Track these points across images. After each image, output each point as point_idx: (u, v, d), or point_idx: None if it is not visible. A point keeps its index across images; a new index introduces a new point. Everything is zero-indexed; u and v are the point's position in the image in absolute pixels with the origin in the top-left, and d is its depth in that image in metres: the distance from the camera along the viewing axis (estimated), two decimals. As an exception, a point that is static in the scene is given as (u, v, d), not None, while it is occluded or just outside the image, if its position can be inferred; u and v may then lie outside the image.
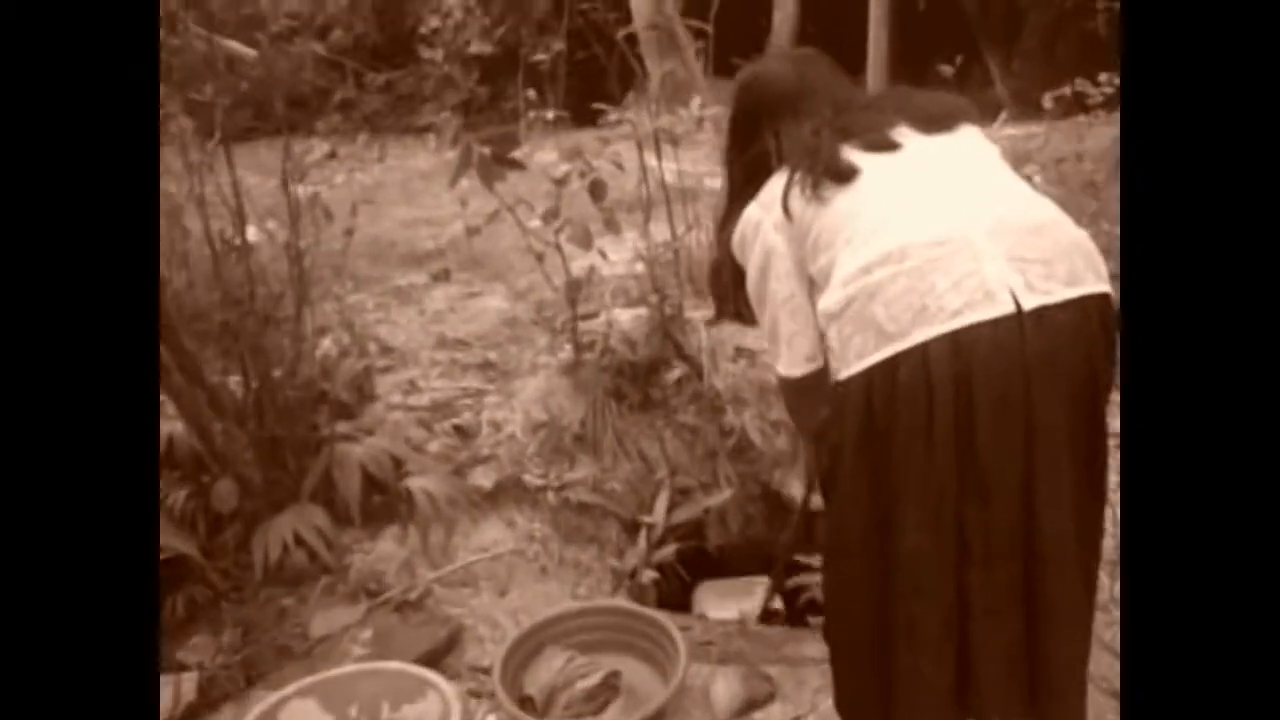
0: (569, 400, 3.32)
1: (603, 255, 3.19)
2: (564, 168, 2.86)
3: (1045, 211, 1.49)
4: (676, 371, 3.30)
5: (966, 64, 5.87)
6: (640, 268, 3.88)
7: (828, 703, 2.20)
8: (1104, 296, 1.43)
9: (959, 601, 1.46)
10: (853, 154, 1.51)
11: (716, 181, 4.16)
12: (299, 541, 2.63)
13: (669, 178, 3.48)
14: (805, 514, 2.42)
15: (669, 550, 3.01)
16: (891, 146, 1.52)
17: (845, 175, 1.49)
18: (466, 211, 5.02)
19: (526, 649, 2.34)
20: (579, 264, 3.41)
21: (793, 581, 2.65)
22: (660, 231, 3.68)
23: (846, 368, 1.45)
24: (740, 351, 3.43)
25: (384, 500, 2.85)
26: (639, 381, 3.31)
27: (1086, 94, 3.27)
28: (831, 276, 1.47)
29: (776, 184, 1.60)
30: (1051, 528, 1.42)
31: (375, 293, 4.67)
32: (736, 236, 1.66)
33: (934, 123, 1.57)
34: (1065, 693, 1.53)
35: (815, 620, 2.57)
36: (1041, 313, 1.36)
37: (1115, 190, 3.26)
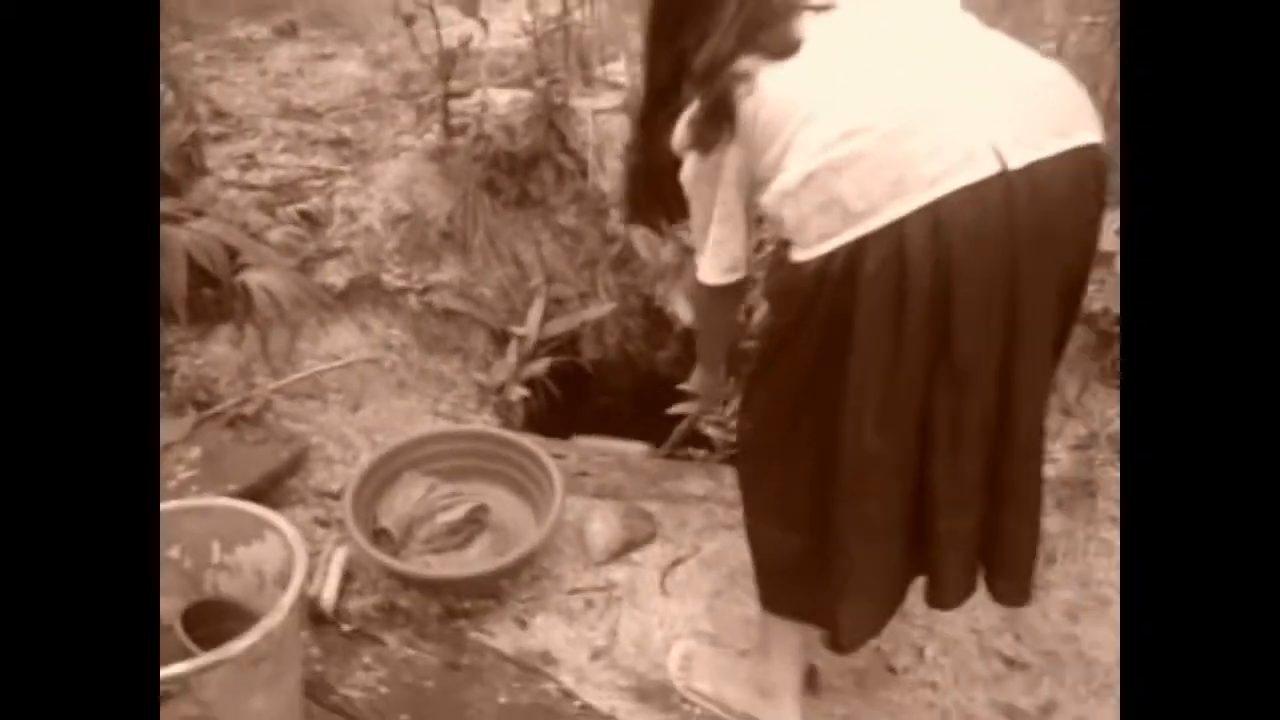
0: (436, 190, 2.94)
1: (483, 24, 2.74)
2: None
3: (1026, 58, 1.28)
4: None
5: None
6: (521, 43, 3.42)
7: (711, 545, 2.08)
8: (1095, 148, 1.24)
9: (919, 495, 1.33)
10: (794, 26, 1.28)
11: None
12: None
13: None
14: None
15: (541, 365, 2.78)
16: (828, 7, 1.29)
17: (793, 44, 1.26)
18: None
19: (382, 475, 2.10)
20: (451, 32, 2.95)
21: (673, 409, 2.46)
22: (545, 3, 3.22)
23: (805, 250, 1.23)
24: (630, 150, 3.09)
25: (215, 296, 2.46)
26: (516, 175, 2.95)
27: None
28: (785, 161, 1.24)
29: None
30: (1028, 416, 1.30)
31: (207, 44, 4.02)
32: (679, 135, 1.43)
33: None
34: (1023, 573, 1.47)
35: (697, 453, 2.42)
36: (1032, 171, 1.15)
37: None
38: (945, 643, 1.87)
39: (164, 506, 1.68)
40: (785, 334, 1.30)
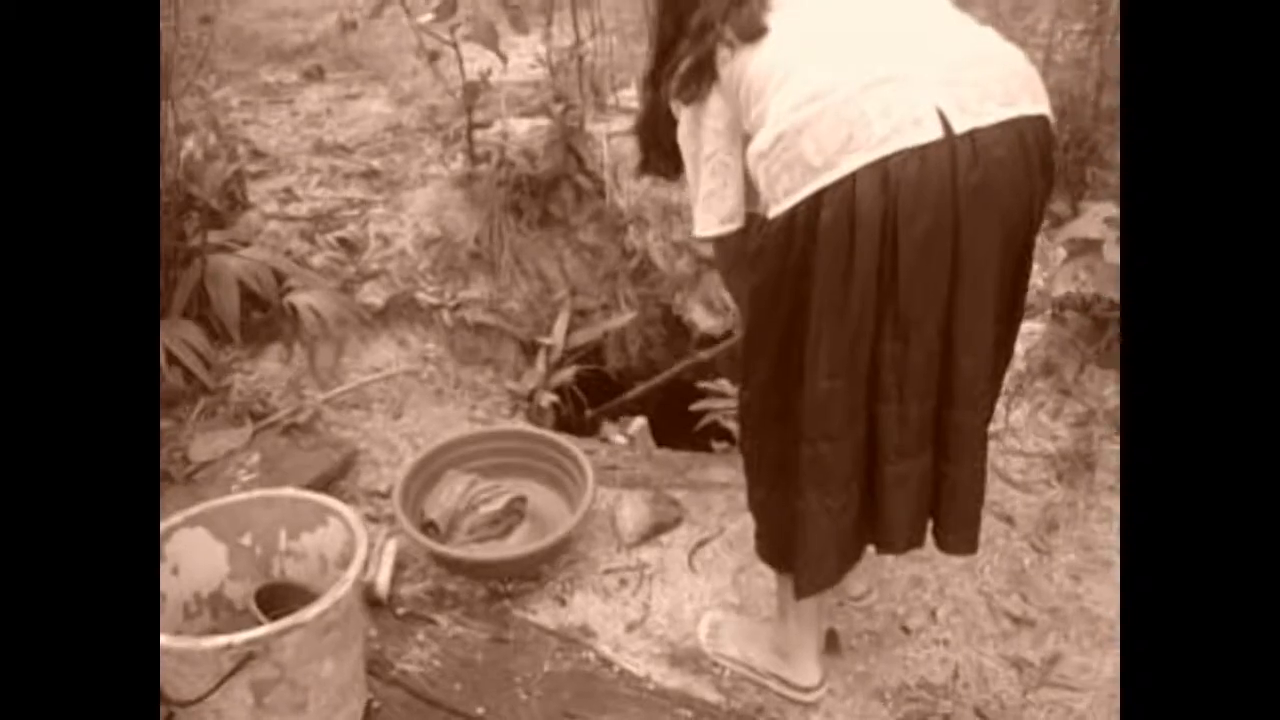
0: (463, 214, 3.13)
1: (502, 59, 2.93)
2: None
3: (981, 37, 1.42)
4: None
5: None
6: (538, 74, 3.63)
7: (733, 526, 2.23)
8: (1042, 119, 1.37)
9: (869, 439, 1.45)
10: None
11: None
12: (172, 360, 2.43)
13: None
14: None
15: (568, 373, 2.94)
16: None
17: (758, 30, 1.41)
18: (341, 3, 4.59)
19: (427, 473, 2.27)
20: (470, 67, 3.15)
21: (695, 406, 2.63)
22: (559, 36, 3.42)
23: (775, 205, 1.37)
24: (644, 169, 3.27)
25: (264, 318, 2.65)
26: (538, 197, 3.13)
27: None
28: (765, 119, 1.38)
29: None
30: (968, 367, 1.41)
31: (240, 90, 4.25)
32: (670, 87, 1.56)
33: None
34: (968, 522, 1.58)
35: (719, 445, 2.57)
36: (974, 137, 1.29)
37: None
38: (956, 604, 2.01)
39: (236, 498, 1.86)
40: (766, 295, 1.43)
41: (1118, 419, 2.39)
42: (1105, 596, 2.02)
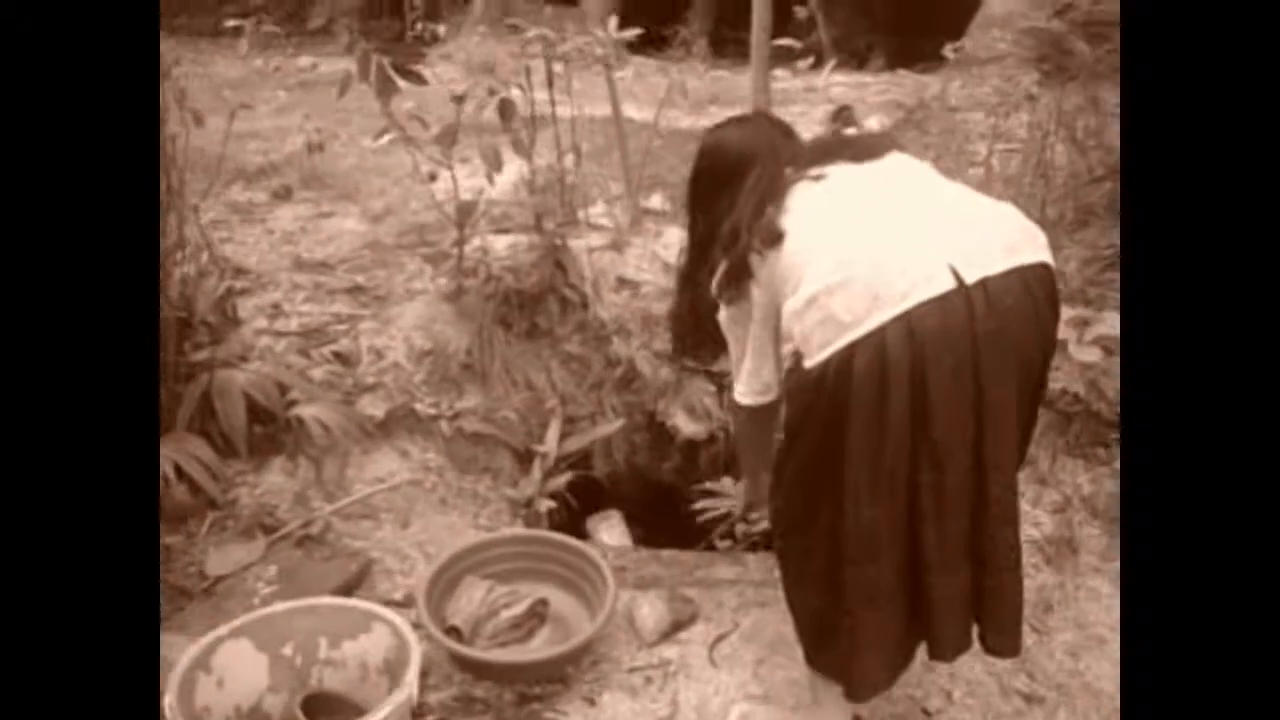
0: (452, 327, 3.22)
1: (489, 180, 3.08)
2: (463, 85, 2.73)
3: (978, 199, 1.65)
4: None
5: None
6: (512, 193, 3.79)
7: (748, 621, 2.31)
8: (1044, 266, 1.56)
9: (912, 557, 1.58)
10: (796, 193, 1.65)
11: (603, 108, 4.10)
12: (180, 474, 2.44)
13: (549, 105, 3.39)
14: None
15: (562, 479, 3.01)
16: (822, 176, 1.67)
17: (778, 236, 1.62)
18: (308, 126, 4.73)
19: (445, 580, 2.29)
20: (441, 188, 3.28)
21: (699, 505, 2.72)
22: (539, 157, 3.60)
23: (810, 358, 1.54)
24: (623, 282, 3.43)
25: (267, 431, 2.68)
26: (526, 310, 3.25)
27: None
28: (800, 291, 1.57)
29: None
30: (999, 486, 1.56)
31: (211, 208, 4.31)
32: (713, 289, 1.78)
33: (865, 154, 1.72)
34: (1011, 626, 1.68)
35: (723, 544, 2.66)
36: (985, 285, 1.47)
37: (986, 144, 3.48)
38: (969, 685, 2.10)
39: (279, 606, 1.88)
40: (798, 425, 1.60)
41: (1093, 505, 2.56)
42: (1104, 671, 2.14)
